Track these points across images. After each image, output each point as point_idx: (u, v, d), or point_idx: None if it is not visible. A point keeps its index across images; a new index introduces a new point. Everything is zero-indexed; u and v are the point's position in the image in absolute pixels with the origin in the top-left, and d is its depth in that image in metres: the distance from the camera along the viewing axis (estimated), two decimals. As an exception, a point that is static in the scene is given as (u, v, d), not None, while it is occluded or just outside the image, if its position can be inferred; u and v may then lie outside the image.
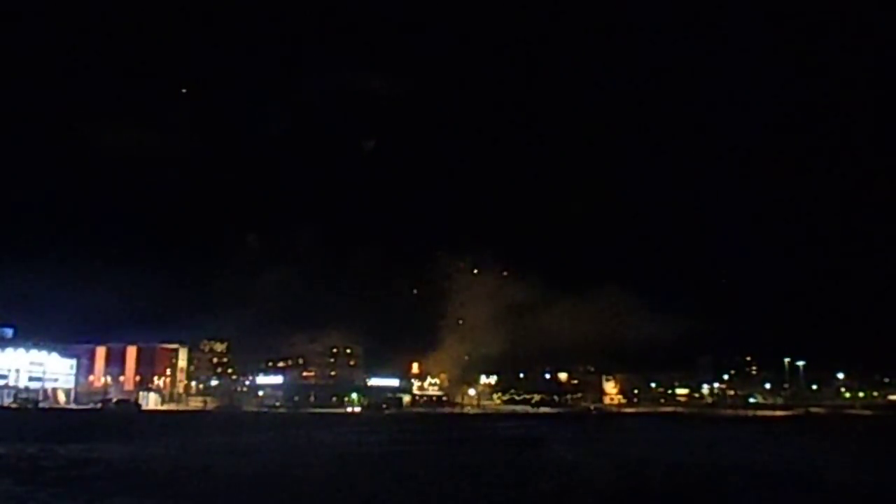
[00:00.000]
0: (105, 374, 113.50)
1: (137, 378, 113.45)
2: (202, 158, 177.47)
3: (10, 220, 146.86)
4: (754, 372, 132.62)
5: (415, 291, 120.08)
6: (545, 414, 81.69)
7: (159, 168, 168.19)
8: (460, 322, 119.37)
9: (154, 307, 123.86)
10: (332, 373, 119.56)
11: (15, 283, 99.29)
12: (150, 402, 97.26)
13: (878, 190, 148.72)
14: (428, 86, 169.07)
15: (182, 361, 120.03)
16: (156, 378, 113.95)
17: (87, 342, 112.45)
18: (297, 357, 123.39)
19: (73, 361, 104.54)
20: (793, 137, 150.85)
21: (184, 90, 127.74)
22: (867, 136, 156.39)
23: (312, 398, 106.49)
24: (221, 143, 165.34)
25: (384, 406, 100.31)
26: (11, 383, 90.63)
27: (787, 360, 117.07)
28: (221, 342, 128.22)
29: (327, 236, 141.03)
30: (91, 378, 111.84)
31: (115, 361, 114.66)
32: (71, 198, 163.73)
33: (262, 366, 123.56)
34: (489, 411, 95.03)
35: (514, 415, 77.59)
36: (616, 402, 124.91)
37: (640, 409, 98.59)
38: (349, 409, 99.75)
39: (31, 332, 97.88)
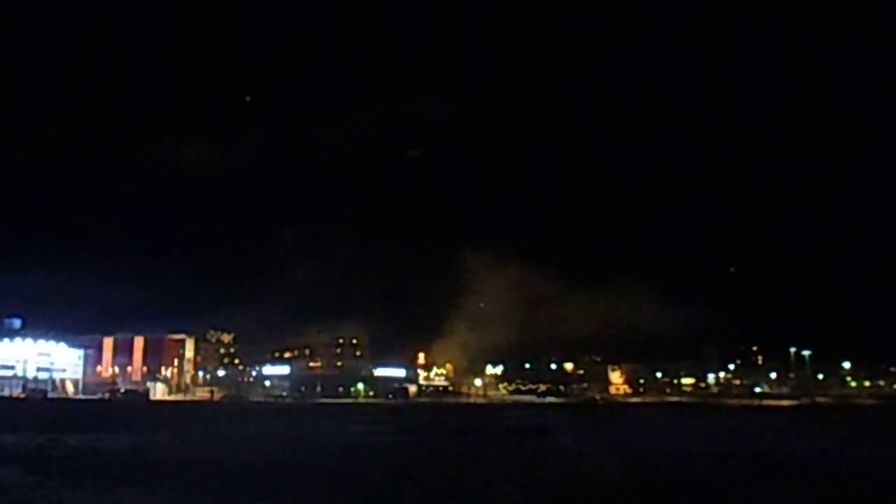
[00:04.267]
0: (113, 365, 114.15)
1: (145, 368, 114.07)
2: (225, 159, 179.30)
3: (20, 212, 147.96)
4: (760, 361, 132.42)
5: (424, 282, 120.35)
6: (551, 404, 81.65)
7: (173, 165, 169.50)
8: (481, 305, 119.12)
9: (161, 298, 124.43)
10: (339, 363, 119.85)
11: (23, 275, 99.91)
12: (158, 392, 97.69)
13: (880, 178, 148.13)
14: (451, 92, 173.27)
15: (189, 352, 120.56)
16: (163, 368, 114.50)
17: (95, 333, 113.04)
18: (304, 347, 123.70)
19: (81, 352, 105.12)
20: (795, 127, 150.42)
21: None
22: (869, 123, 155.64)
23: (319, 388, 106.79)
24: (248, 145, 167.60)
25: (390, 396, 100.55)
26: (20, 374, 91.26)
27: (792, 349, 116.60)
28: (228, 333, 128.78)
29: (340, 230, 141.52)
30: (99, 368, 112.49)
31: (123, 352, 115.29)
32: (80, 190, 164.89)
33: (269, 356, 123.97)
34: (495, 401, 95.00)
35: (520, 405, 77.60)
36: (622, 391, 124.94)
37: (646, 399, 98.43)
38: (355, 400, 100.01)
39: (40, 323, 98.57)
